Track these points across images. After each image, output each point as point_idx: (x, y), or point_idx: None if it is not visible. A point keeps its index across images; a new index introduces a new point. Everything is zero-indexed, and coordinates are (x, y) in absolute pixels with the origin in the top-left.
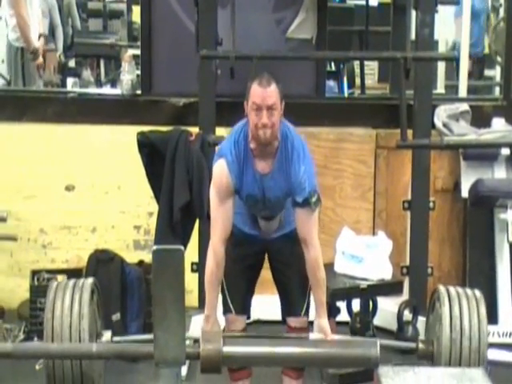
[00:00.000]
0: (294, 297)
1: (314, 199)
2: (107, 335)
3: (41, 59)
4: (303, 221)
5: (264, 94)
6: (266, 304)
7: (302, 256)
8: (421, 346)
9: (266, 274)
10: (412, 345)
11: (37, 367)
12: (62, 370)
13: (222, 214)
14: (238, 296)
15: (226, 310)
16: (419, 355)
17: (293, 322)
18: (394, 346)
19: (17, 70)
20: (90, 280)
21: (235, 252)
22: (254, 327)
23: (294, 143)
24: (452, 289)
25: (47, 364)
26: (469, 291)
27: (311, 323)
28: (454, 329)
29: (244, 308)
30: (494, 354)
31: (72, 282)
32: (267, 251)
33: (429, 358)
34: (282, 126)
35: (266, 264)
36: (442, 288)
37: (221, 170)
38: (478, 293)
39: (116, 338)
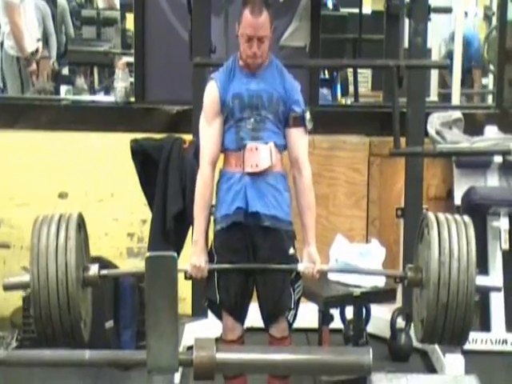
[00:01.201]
0: (271, 305)
1: (308, 116)
2: (94, 268)
3: (34, 66)
4: (295, 142)
5: (255, 24)
6: (257, 312)
7: (286, 278)
8: (410, 273)
9: None
10: (401, 272)
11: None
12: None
13: (210, 136)
14: (234, 302)
15: (224, 313)
16: (409, 283)
17: (274, 329)
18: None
19: (12, 77)
20: (76, 214)
21: (226, 260)
22: (246, 335)
23: (286, 71)
24: (440, 214)
25: (34, 312)
26: (457, 217)
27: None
28: (442, 252)
29: (240, 316)
30: (482, 280)
31: (57, 215)
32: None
33: (418, 284)
34: (272, 56)
35: None
36: (430, 214)
37: (209, 87)
38: (466, 218)
39: (103, 272)
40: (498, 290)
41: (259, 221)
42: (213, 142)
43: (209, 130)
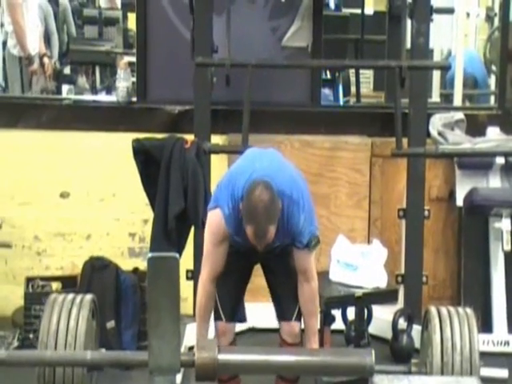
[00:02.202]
0: (285, 301)
1: (313, 243)
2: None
3: (35, 66)
4: (302, 259)
5: (260, 244)
6: (259, 312)
7: (293, 263)
8: (414, 369)
9: (260, 280)
10: (404, 368)
11: None
12: (53, 377)
13: (214, 256)
14: (229, 304)
15: (216, 318)
16: None
17: (285, 329)
18: (386, 370)
19: (14, 76)
20: (89, 296)
21: (227, 261)
22: (248, 335)
23: (293, 198)
24: (443, 309)
25: (39, 371)
26: (460, 310)
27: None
28: (445, 350)
29: (234, 316)
30: (486, 371)
31: (70, 296)
32: (259, 259)
33: None
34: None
35: (260, 271)
36: (433, 310)
37: (217, 220)
38: (468, 310)
39: None
40: (503, 382)
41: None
42: (218, 263)
43: (214, 252)
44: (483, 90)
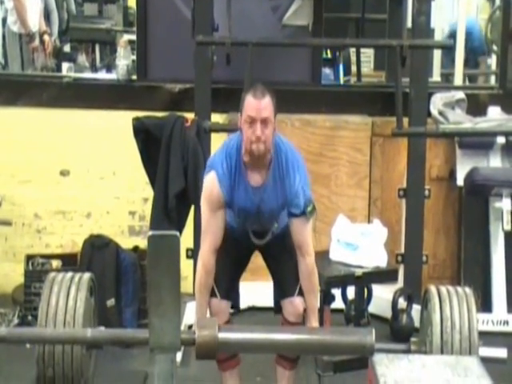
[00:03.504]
0: (286, 280)
1: (309, 209)
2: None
3: (36, 43)
4: (298, 230)
5: (258, 106)
6: (259, 291)
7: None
8: (413, 347)
9: (259, 260)
10: (404, 346)
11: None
12: (52, 357)
13: (212, 226)
14: (224, 282)
15: (211, 295)
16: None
17: (288, 305)
18: (386, 348)
19: (14, 54)
20: (88, 275)
21: (226, 242)
22: (248, 314)
23: (288, 155)
24: (443, 288)
25: (38, 350)
26: (459, 289)
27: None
28: (444, 329)
29: (229, 294)
30: (485, 351)
31: (69, 275)
32: (258, 247)
33: None
34: (275, 139)
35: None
36: (432, 289)
37: (211, 183)
38: (467, 289)
39: None
40: (502, 361)
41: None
42: (216, 232)
43: (212, 220)
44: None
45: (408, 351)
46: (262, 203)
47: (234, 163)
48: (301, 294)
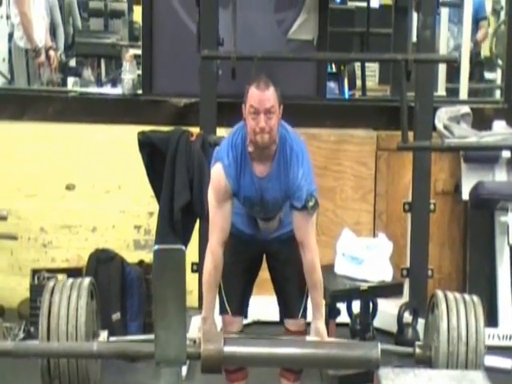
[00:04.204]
0: (291, 298)
1: (311, 203)
2: (104, 335)
3: (42, 58)
4: (300, 224)
5: (262, 97)
6: (264, 305)
7: (300, 258)
8: (418, 350)
9: (264, 274)
10: (409, 349)
11: None
12: (58, 369)
13: (220, 217)
14: (235, 297)
15: (223, 311)
16: (417, 360)
17: (290, 324)
18: (392, 350)
19: (20, 68)
20: (88, 279)
21: (234, 254)
22: (252, 328)
23: (293, 146)
24: (450, 295)
25: (42, 363)
26: (467, 297)
27: (309, 324)
28: (451, 339)
29: (241, 309)
30: (490, 361)
31: (70, 281)
32: (266, 252)
33: (427, 362)
34: (280, 129)
35: (265, 264)
36: (439, 294)
37: (218, 174)
38: (475, 298)
39: (112, 339)
40: (507, 372)
41: (272, 241)
42: (224, 224)
43: (219, 211)
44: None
45: (413, 355)
46: (265, 192)
47: (240, 153)
48: (304, 315)
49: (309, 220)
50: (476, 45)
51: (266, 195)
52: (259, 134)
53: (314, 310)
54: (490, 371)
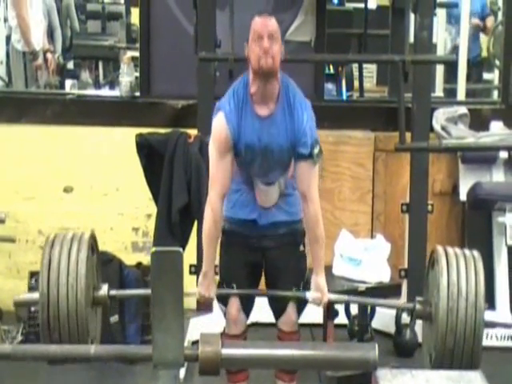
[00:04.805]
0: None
1: (316, 150)
2: (104, 288)
3: (40, 61)
4: (304, 175)
5: (265, 22)
6: (263, 306)
7: (296, 268)
8: (418, 306)
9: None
10: (410, 305)
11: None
12: (57, 321)
13: (220, 169)
14: (238, 298)
15: (225, 311)
16: (417, 315)
17: (283, 324)
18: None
19: (18, 71)
20: (88, 234)
21: (233, 260)
22: (251, 330)
23: (296, 93)
24: (450, 250)
25: (42, 315)
26: (467, 252)
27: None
28: (451, 296)
29: (245, 309)
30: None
31: (70, 234)
32: (264, 260)
33: (427, 318)
34: (283, 77)
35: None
36: (440, 249)
37: (219, 123)
38: (475, 253)
39: (112, 292)
40: (505, 326)
41: (272, 230)
42: (224, 176)
43: (220, 164)
44: None
45: (413, 309)
46: (268, 138)
47: (242, 97)
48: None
49: (313, 170)
50: (484, 30)
51: (269, 141)
52: (263, 58)
53: (315, 264)
54: (491, 326)
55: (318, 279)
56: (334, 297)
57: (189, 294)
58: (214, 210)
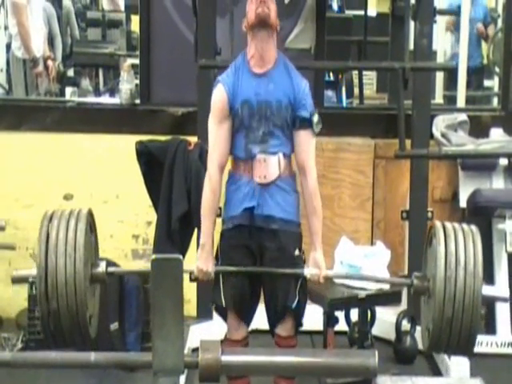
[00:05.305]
0: (278, 306)
1: (315, 118)
2: (102, 265)
3: (40, 68)
4: (302, 145)
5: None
6: (262, 314)
7: (291, 279)
8: (416, 281)
9: None
10: (407, 281)
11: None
12: (55, 290)
13: (219, 139)
14: (240, 305)
15: (226, 316)
16: (415, 291)
17: (280, 329)
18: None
19: (18, 79)
20: (86, 210)
21: (231, 256)
22: (252, 337)
23: (293, 69)
24: (448, 224)
25: (40, 286)
26: (465, 226)
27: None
28: (448, 266)
29: (246, 316)
30: (489, 290)
31: (68, 210)
32: (261, 265)
33: (424, 293)
34: (281, 56)
35: None
36: (438, 224)
37: (217, 91)
38: (473, 227)
39: (111, 269)
40: (504, 300)
41: (267, 223)
42: (222, 146)
43: (218, 133)
44: None
45: (411, 285)
46: (267, 94)
47: (239, 64)
48: (296, 317)
49: (311, 141)
50: (486, 37)
51: (267, 97)
52: (260, 7)
53: (313, 238)
54: (488, 300)
55: (316, 255)
56: (331, 273)
57: (187, 270)
58: (212, 181)
